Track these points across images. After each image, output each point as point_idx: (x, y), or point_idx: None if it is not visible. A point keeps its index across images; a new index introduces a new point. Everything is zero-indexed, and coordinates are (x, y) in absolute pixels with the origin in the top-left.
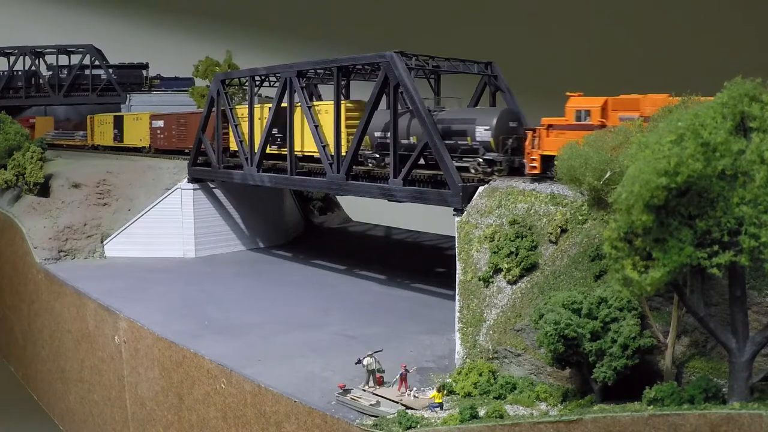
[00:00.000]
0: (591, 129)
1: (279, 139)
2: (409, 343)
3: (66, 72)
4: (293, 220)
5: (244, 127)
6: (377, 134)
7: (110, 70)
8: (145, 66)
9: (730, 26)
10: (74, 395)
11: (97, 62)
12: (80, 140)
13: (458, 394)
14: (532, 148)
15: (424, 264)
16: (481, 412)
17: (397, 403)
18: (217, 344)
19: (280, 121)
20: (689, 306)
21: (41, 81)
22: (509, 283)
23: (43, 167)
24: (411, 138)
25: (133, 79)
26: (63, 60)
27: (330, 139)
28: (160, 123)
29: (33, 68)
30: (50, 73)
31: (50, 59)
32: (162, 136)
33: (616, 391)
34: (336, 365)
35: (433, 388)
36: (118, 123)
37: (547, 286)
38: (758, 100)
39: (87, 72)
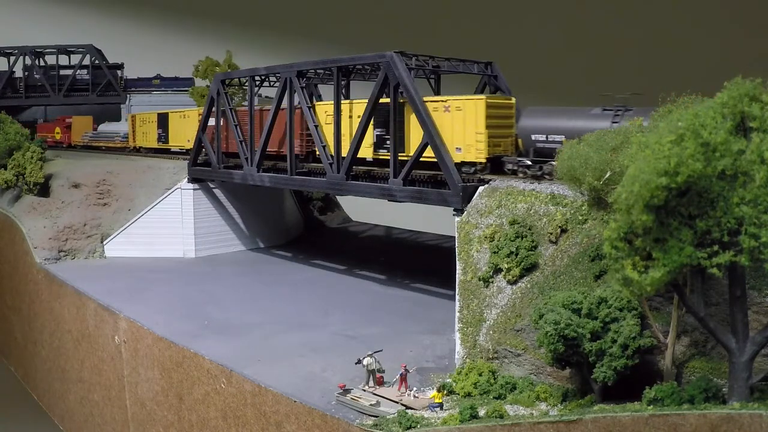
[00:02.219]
0: None
1: (387, 142)
2: (409, 343)
3: (41, 73)
4: (293, 220)
5: (346, 127)
6: (537, 137)
7: (83, 71)
8: (120, 66)
9: (731, 26)
10: (74, 395)
11: (97, 62)
12: (121, 142)
13: (458, 394)
14: None
15: (424, 264)
16: (481, 412)
17: (397, 403)
18: (217, 344)
19: (384, 119)
20: (689, 306)
21: (19, 83)
22: (509, 283)
23: (43, 167)
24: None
25: (108, 80)
26: (63, 60)
27: (461, 141)
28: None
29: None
30: (26, 73)
31: (50, 60)
32: (221, 136)
33: (616, 391)
34: (336, 365)
35: (433, 388)
36: (163, 122)
37: (547, 286)
38: (758, 100)
39: (61, 72)
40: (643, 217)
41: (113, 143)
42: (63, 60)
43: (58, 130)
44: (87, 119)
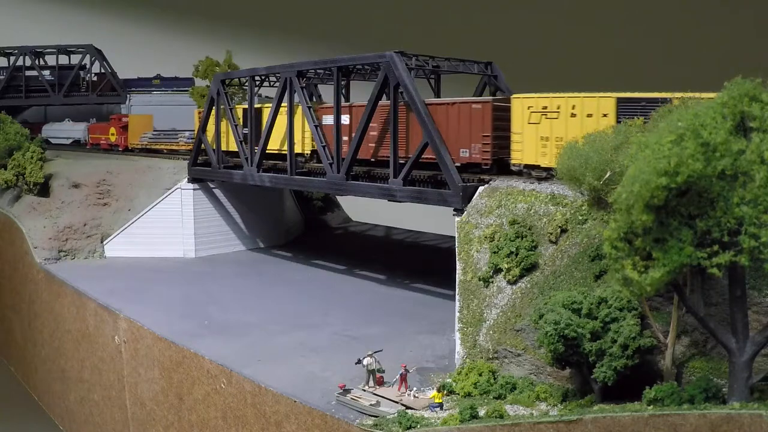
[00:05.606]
0: None
1: None
2: (409, 343)
3: (5, 74)
4: (293, 220)
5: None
6: None
7: (45, 72)
8: (83, 67)
9: (731, 26)
10: (74, 395)
11: (89, 62)
12: (186, 143)
13: (458, 394)
14: None
15: (424, 264)
16: (481, 412)
17: (397, 403)
18: (217, 344)
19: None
20: (689, 306)
21: None
22: (509, 283)
23: (43, 167)
24: None
25: (72, 80)
26: (63, 60)
27: None
28: (345, 119)
29: None
30: None
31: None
32: (346, 139)
33: (616, 391)
34: (336, 365)
35: (433, 388)
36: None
37: (547, 286)
38: (758, 100)
39: (27, 74)
40: (643, 217)
41: (177, 145)
42: (63, 60)
43: (113, 131)
44: (146, 118)
